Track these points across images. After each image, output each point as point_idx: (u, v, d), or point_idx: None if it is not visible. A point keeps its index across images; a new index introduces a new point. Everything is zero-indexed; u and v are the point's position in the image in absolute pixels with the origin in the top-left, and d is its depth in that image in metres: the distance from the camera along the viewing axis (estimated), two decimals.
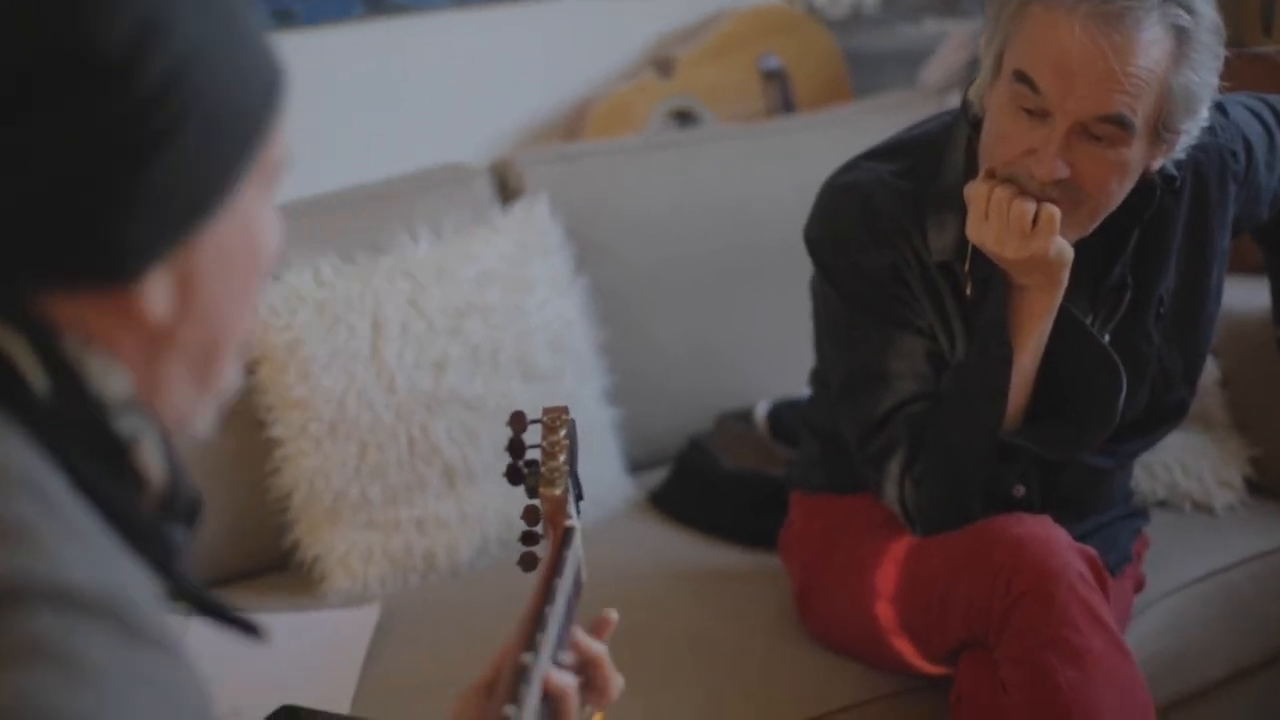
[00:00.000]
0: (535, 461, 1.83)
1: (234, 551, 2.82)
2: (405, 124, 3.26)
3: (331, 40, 3.17)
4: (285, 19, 3.06)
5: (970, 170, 2.27)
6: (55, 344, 1.06)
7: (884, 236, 2.31)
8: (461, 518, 2.83)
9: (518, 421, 1.84)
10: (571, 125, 3.41)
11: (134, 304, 1.08)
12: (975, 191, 2.20)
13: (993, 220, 2.17)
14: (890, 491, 2.34)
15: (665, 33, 3.55)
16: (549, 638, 1.54)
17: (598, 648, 1.56)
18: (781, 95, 3.54)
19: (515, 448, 1.83)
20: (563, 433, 1.85)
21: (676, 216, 3.21)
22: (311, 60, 3.13)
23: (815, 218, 2.39)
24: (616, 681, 1.58)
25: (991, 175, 2.20)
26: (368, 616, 2.66)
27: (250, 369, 2.76)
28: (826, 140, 3.21)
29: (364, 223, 2.94)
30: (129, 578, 1.01)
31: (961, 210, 2.24)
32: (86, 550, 0.99)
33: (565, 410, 1.89)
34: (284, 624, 2.66)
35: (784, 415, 3.01)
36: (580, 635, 1.55)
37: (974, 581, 2.21)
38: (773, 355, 3.09)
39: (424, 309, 2.84)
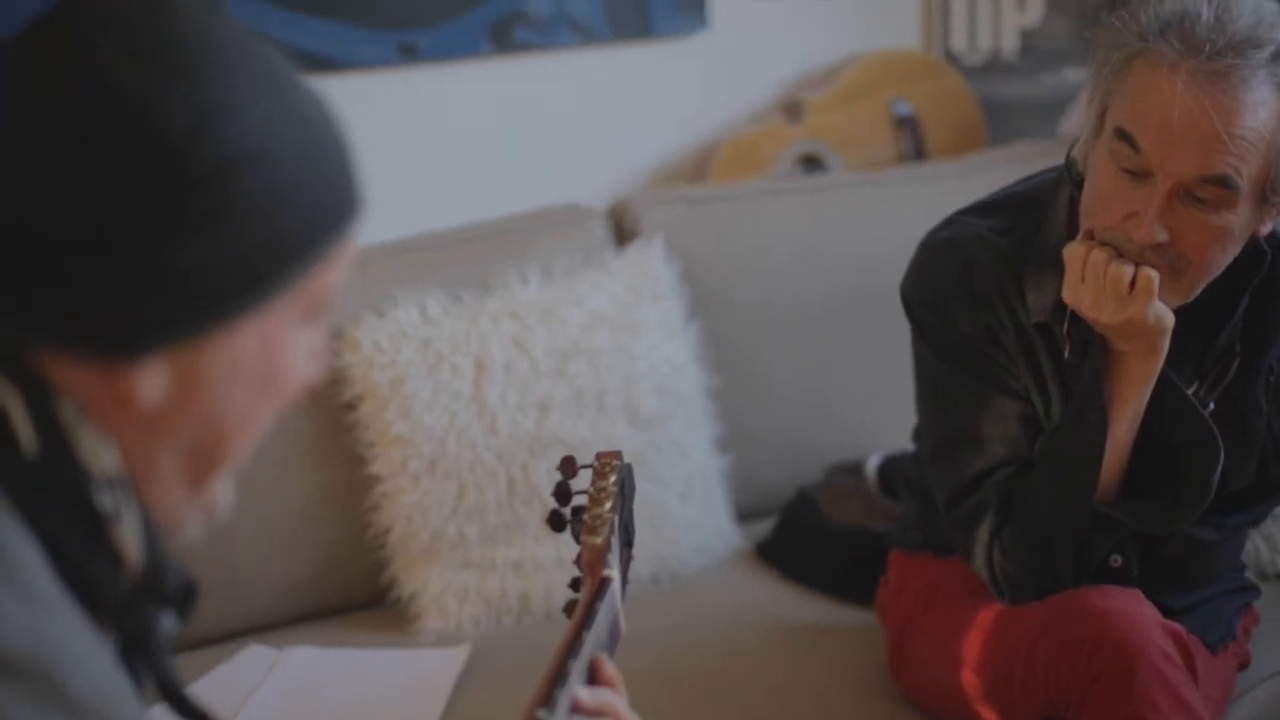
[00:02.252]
0: (583, 508, 1.79)
1: (329, 586, 2.82)
2: (527, 163, 3.25)
3: (457, 76, 3.16)
4: (410, 54, 3.06)
5: (1072, 229, 2.21)
6: (50, 405, 1.05)
7: (980, 295, 2.25)
8: (559, 561, 2.81)
9: (567, 466, 1.80)
10: (697, 168, 3.38)
11: (127, 385, 1.07)
12: (1073, 253, 2.14)
13: (1089, 283, 2.11)
14: (978, 557, 2.28)
15: (796, 76, 3.50)
16: (568, 693, 1.50)
17: (598, 699, 1.50)
18: (913, 142, 3.48)
19: (560, 493, 1.79)
20: (612, 479, 1.81)
21: (796, 263, 3.16)
22: (435, 95, 3.15)
23: (911, 273, 2.34)
24: None
25: (1090, 237, 2.14)
26: (457, 656, 2.64)
27: (352, 404, 2.76)
28: (957, 189, 3.12)
29: (474, 261, 2.94)
30: (78, 644, 1.00)
31: (1062, 270, 2.18)
32: (29, 611, 0.98)
33: (618, 455, 1.85)
34: (373, 660, 2.66)
35: (894, 470, 2.95)
36: (580, 692, 1.50)
37: (1055, 654, 2.16)
38: (886, 408, 3.02)
39: (529, 350, 2.83)
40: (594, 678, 1.57)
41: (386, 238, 2.84)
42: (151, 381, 1.08)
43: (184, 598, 1.17)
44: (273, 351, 1.12)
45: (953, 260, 2.28)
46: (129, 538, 1.09)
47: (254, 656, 2.68)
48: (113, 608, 1.10)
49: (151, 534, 1.11)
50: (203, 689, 2.58)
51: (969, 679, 2.32)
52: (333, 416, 2.76)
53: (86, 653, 1.00)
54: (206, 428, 1.12)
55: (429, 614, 2.76)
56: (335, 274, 1.15)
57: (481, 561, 2.79)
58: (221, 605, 2.69)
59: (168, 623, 1.16)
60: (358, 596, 2.84)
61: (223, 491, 1.18)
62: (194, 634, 2.64)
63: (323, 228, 1.12)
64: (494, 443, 2.78)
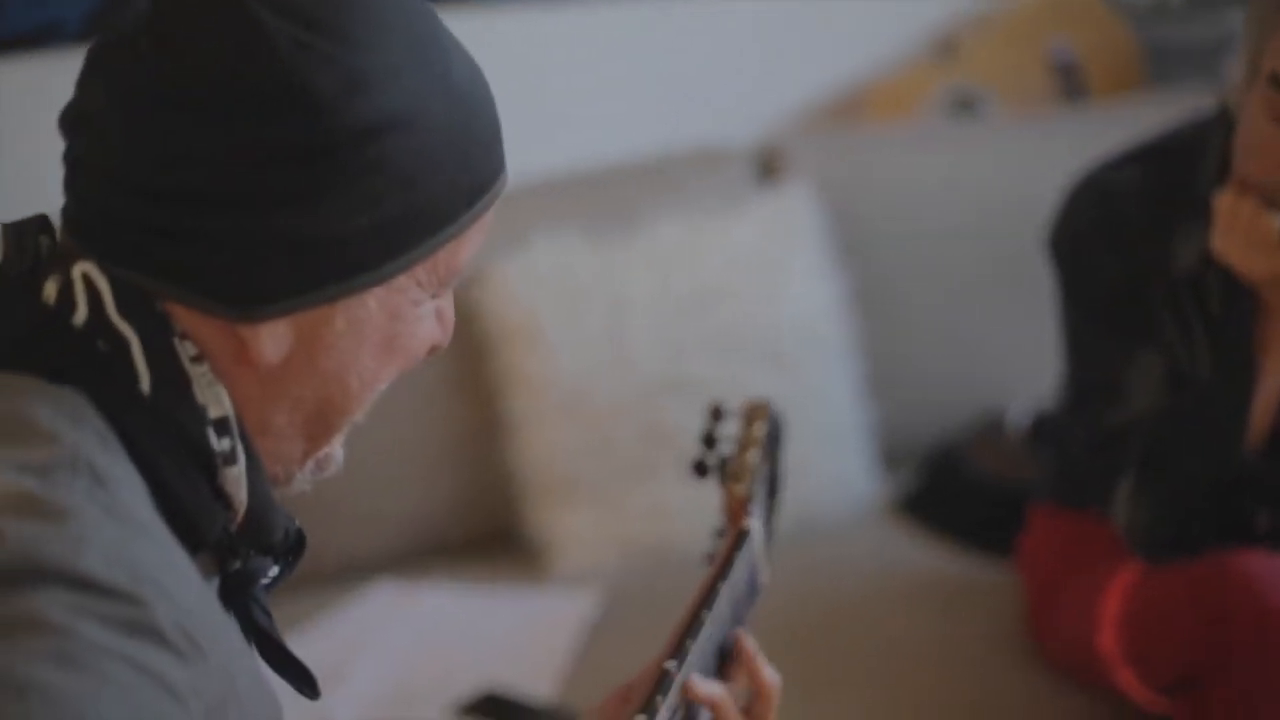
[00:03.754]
0: (729, 456, 1.76)
1: (461, 523, 2.82)
2: (672, 102, 3.21)
3: (604, 12, 3.13)
4: None
5: (1223, 178, 2.14)
6: (171, 346, 1.07)
7: (1126, 244, 2.19)
8: (696, 507, 2.77)
9: (715, 412, 1.76)
10: (847, 109, 3.33)
11: (251, 341, 1.08)
12: (1222, 202, 2.06)
13: (1238, 234, 2.04)
14: (1117, 512, 2.22)
15: (950, 16, 3.43)
16: (699, 644, 1.48)
17: (710, 690, 1.46)
18: (1070, 86, 3.39)
19: (706, 439, 1.76)
20: (758, 427, 1.78)
21: (947, 208, 3.10)
22: (581, 31, 3.12)
23: (1056, 221, 2.28)
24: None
25: (1242, 186, 2.06)
26: (588, 600, 2.63)
27: (488, 343, 2.75)
28: (1113, 134, 3.04)
29: (616, 200, 2.91)
30: (173, 576, 1.00)
31: (1211, 220, 2.11)
32: (123, 535, 0.99)
33: (767, 405, 1.82)
34: (502, 600, 2.66)
35: (1043, 424, 2.90)
36: (694, 678, 1.46)
37: (1194, 617, 2.10)
38: (1035, 357, 2.95)
39: (669, 290, 2.80)
40: (730, 655, 1.54)
41: (527, 175, 2.81)
42: (274, 340, 1.08)
43: (290, 549, 1.17)
44: (399, 318, 1.12)
45: (1098, 208, 2.22)
46: (238, 483, 1.09)
47: (384, 592, 2.69)
48: (214, 549, 1.10)
49: (260, 483, 1.11)
50: (332, 623, 2.60)
51: (1107, 640, 2.27)
52: (468, 354, 2.76)
53: (180, 584, 1.00)
54: (325, 388, 1.13)
55: (560, 555, 2.75)
56: (469, 247, 1.15)
57: (615, 505, 2.77)
58: (353, 540, 2.70)
59: (270, 571, 1.16)
60: (489, 535, 2.84)
61: (336, 449, 1.19)
62: (324, 567, 2.66)
63: (461, 203, 1.11)
64: (630, 384, 2.76)
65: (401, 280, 1.10)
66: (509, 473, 2.79)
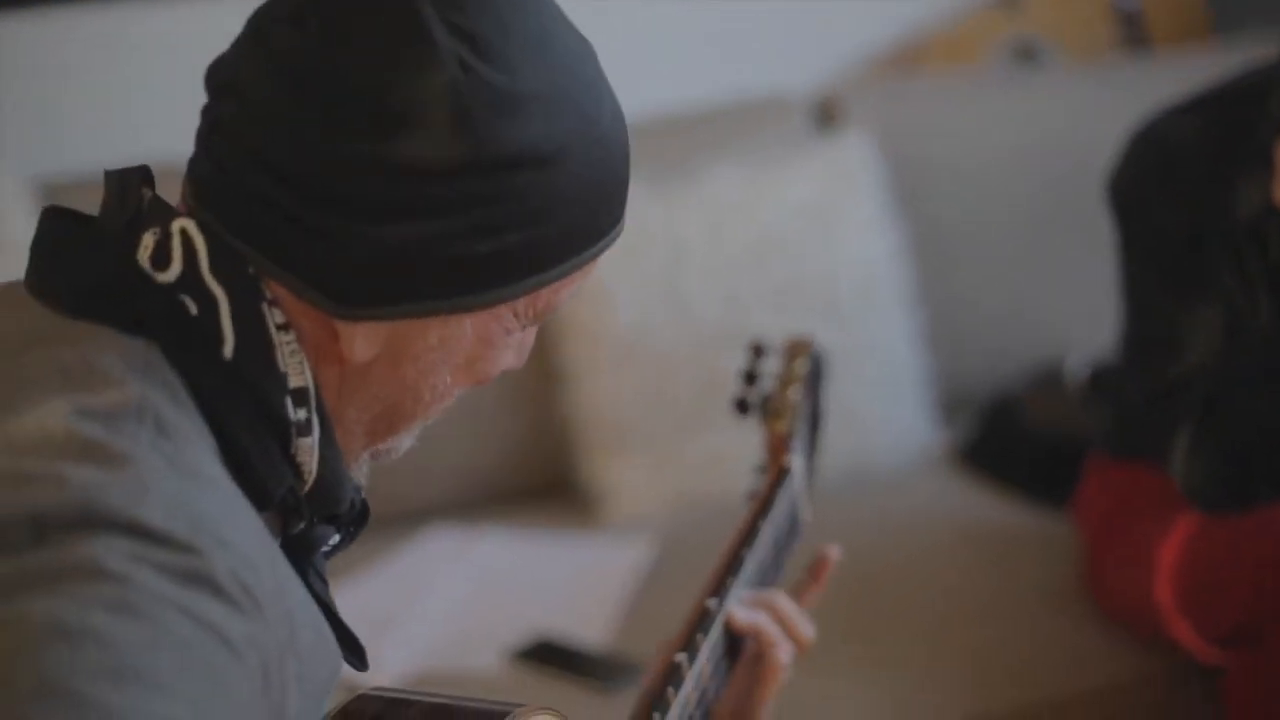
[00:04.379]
0: (771, 394, 1.75)
1: (516, 472, 2.83)
2: (732, 49, 3.19)
3: None
4: None
5: None
6: (259, 310, 1.07)
7: (1186, 194, 2.17)
8: (750, 456, 2.77)
9: (756, 349, 1.75)
10: (908, 58, 3.30)
11: (344, 337, 1.09)
12: None
13: None
14: (1176, 464, 2.20)
15: None
16: (740, 581, 1.48)
17: (746, 619, 1.47)
18: (1133, 35, 3.36)
19: (748, 376, 1.75)
20: (800, 364, 1.77)
21: (1008, 159, 3.07)
22: None
23: (1115, 170, 2.26)
24: (778, 658, 1.48)
25: None
26: (641, 549, 2.63)
27: None
28: (1178, 82, 3.01)
29: (674, 148, 2.89)
30: (235, 530, 1.00)
31: (1274, 170, 2.08)
32: (186, 487, 0.99)
33: (809, 341, 1.81)
34: (557, 546, 2.66)
35: (1102, 374, 2.87)
36: (736, 611, 1.47)
37: (1253, 568, 2.09)
38: (1096, 309, 2.94)
39: (727, 240, 2.78)
40: (814, 571, 1.57)
41: None
42: (367, 341, 1.09)
43: (354, 520, 1.18)
44: (488, 343, 1.13)
45: (1158, 157, 2.20)
46: (310, 453, 1.10)
47: (439, 539, 2.70)
48: (279, 509, 1.10)
49: (333, 455, 1.12)
50: (387, 569, 2.62)
51: (1162, 591, 2.25)
52: None
53: (242, 537, 0.99)
54: (400, 394, 1.14)
55: (615, 504, 2.75)
56: (572, 288, 1.16)
57: (670, 454, 2.77)
58: (409, 486, 2.71)
59: (331, 539, 1.16)
60: (544, 483, 2.85)
61: (401, 444, 1.20)
62: (380, 513, 2.63)
63: (579, 246, 1.12)
64: (687, 333, 2.75)
65: (501, 309, 1.11)
66: (565, 421, 2.79)
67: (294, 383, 1.08)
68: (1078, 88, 3.17)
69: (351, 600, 2.51)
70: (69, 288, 1.07)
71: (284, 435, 1.08)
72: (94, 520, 0.93)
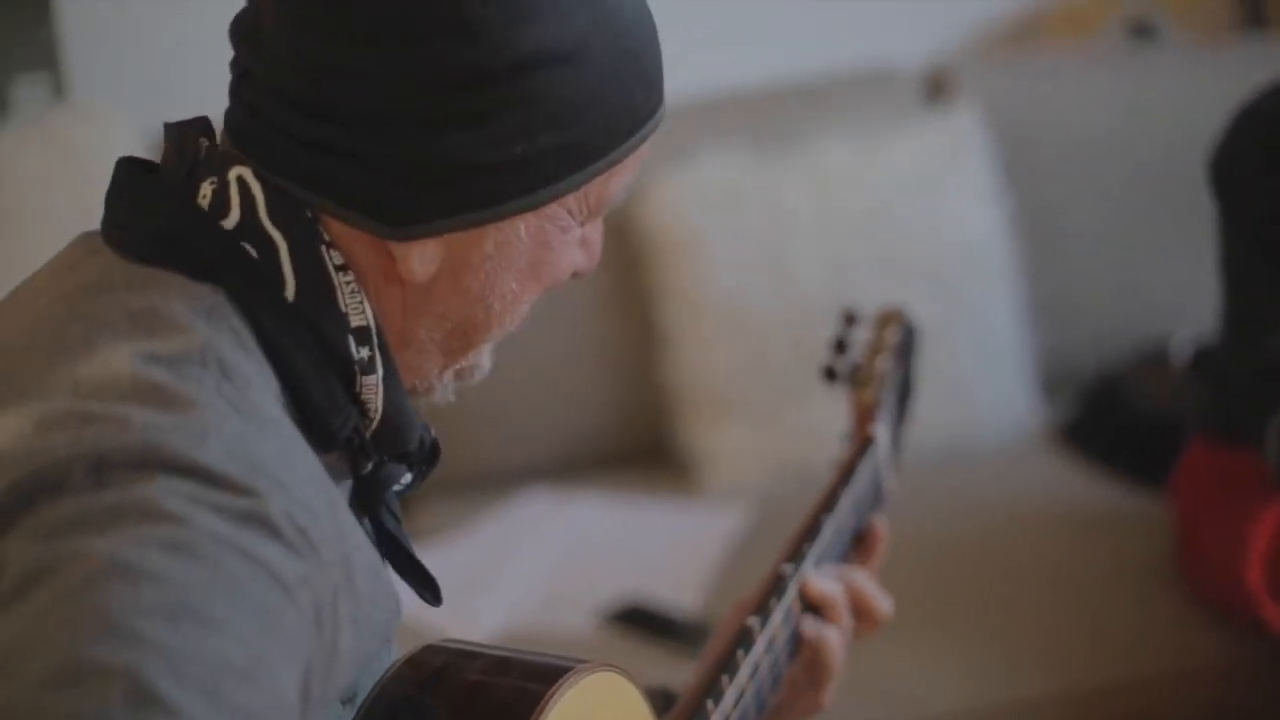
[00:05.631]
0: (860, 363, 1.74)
1: (613, 435, 2.85)
2: (843, 19, 3.18)
3: None
4: None
5: None
6: (318, 252, 1.08)
7: None
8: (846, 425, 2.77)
9: (848, 317, 1.73)
10: (1022, 32, 3.28)
11: (399, 258, 1.10)
12: None
13: None
14: (1268, 446, 2.18)
15: None
16: (817, 548, 1.48)
17: (821, 587, 1.47)
18: (1252, 14, 3.31)
19: (837, 344, 1.74)
20: (891, 333, 1.76)
21: (1118, 135, 3.04)
22: None
23: (1217, 148, 2.24)
24: (828, 636, 1.48)
25: None
26: (735, 516, 2.64)
27: (648, 257, 2.76)
28: None
29: (781, 118, 2.90)
30: (294, 472, 1.01)
31: None
32: (246, 428, 1.00)
33: (900, 311, 1.79)
34: (651, 512, 2.68)
35: (1205, 355, 2.84)
36: (811, 578, 1.47)
37: None
38: (1203, 290, 2.90)
39: (833, 210, 2.78)
40: (866, 545, 1.56)
41: (695, 90, 2.80)
42: (423, 259, 1.10)
43: (425, 458, 1.19)
44: (546, 245, 1.13)
45: (1259, 134, 2.18)
46: (374, 391, 1.11)
47: (535, 501, 2.72)
48: (347, 449, 1.12)
49: (397, 393, 1.12)
50: (483, 529, 2.64)
51: (1255, 575, 2.23)
52: (627, 268, 2.77)
53: (300, 480, 1.00)
54: (468, 307, 1.14)
55: (711, 471, 2.76)
56: (623, 178, 1.15)
57: (769, 422, 2.77)
58: (507, 449, 2.74)
59: (404, 478, 1.17)
60: (641, 448, 2.86)
61: (484, 359, 1.20)
62: (478, 475, 2.70)
63: (617, 137, 1.11)
64: (790, 302, 2.76)
65: (552, 208, 1.11)
66: (663, 387, 2.80)
67: (355, 322, 1.09)
68: (1193, 66, 3.13)
69: (448, 559, 2.54)
70: (137, 235, 1.09)
71: (348, 374, 1.09)
72: (154, 462, 0.94)
